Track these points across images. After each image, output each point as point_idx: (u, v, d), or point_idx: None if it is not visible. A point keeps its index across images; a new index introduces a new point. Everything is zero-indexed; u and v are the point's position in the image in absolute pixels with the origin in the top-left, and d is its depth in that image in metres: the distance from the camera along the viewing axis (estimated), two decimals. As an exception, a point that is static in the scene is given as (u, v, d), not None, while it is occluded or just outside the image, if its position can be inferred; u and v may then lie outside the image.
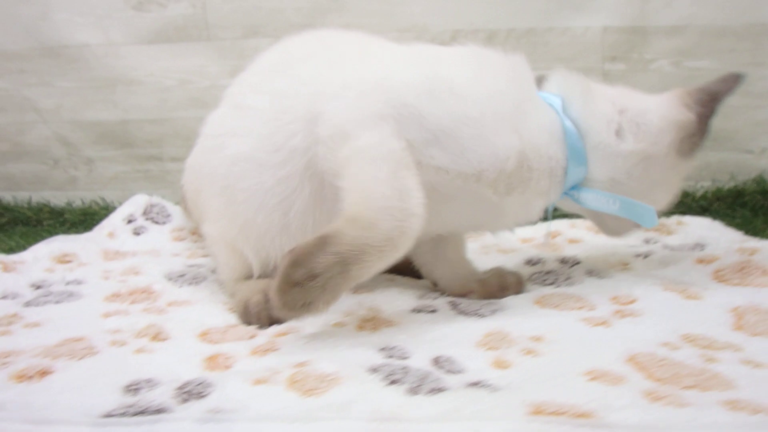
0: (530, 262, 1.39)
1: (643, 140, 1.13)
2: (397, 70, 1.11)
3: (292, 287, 0.89)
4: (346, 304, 1.15)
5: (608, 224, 1.24)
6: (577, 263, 1.34)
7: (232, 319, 1.14)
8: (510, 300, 1.15)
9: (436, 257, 1.28)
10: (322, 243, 0.91)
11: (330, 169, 1.05)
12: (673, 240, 1.49)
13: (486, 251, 1.52)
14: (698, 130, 1.17)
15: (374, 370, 0.82)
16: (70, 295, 1.25)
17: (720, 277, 1.17)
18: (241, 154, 1.18)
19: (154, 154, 2.52)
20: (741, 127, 2.23)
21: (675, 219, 1.64)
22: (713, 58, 2.19)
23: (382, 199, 0.94)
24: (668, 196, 1.20)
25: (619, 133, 1.13)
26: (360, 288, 1.27)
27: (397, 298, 1.18)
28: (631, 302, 1.09)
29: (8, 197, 2.54)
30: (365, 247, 0.92)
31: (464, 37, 2.27)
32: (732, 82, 1.19)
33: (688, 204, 2.09)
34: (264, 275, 1.24)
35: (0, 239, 2.08)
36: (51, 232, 2.18)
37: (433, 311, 1.12)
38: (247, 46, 2.36)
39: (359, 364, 0.84)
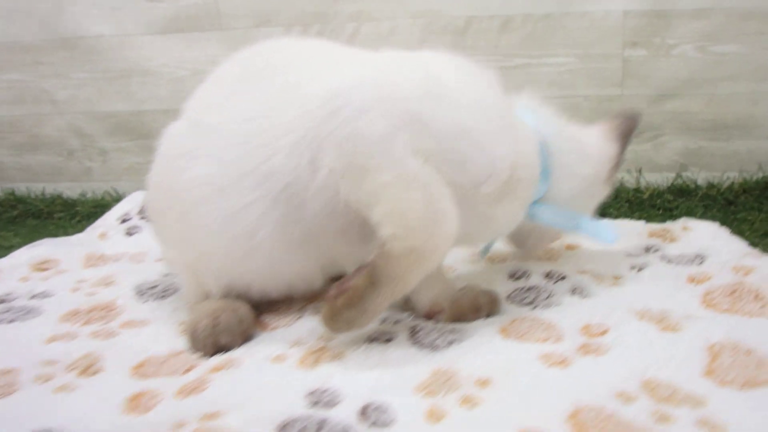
0: (514, 276, 1.28)
1: (595, 166, 1.20)
2: (391, 75, 1.04)
3: (340, 319, 0.95)
4: (300, 331, 1.09)
5: (527, 243, 1.31)
6: (563, 278, 1.23)
7: (180, 344, 1.09)
8: (474, 327, 1.06)
9: None
10: (373, 282, 0.94)
11: (355, 201, 0.99)
12: (674, 249, 1.36)
13: (474, 259, 1.42)
14: (620, 160, 1.26)
15: (285, 426, 0.75)
16: (28, 312, 1.22)
17: (709, 301, 1.07)
18: (200, 177, 1.09)
19: (168, 144, 2.50)
20: (771, 114, 2.04)
21: (681, 223, 1.50)
22: (740, 42, 1.99)
23: (425, 230, 0.95)
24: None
25: (580, 156, 1.17)
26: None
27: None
28: (602, 333, 0.98)
29: (23, 188, 2.57)
30: (413, 276, 0.96)
31: (478, 23, 2.14)
32: (635, 119, 1.30)
33: (713, 196, 1.93)
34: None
35: (6, 235, 2.09)
36: (60, 225, 2.19)
37: (388, 340, 1.03)
38: (259, 35, 2.29)
39: (272, 420, 0.77)
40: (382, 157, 0.96)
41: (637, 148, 2.12)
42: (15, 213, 2.37)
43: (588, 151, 1.19)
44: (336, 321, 0.95)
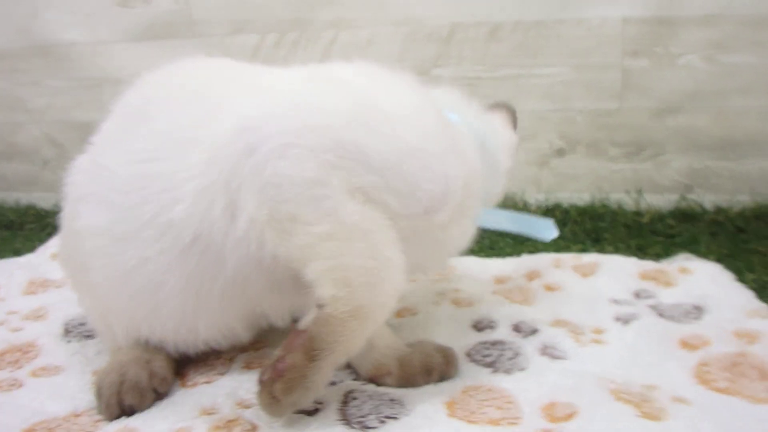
0: (478, 326, 1.08)
1: (511, 158, 1.10)
2: (310, 98, 0.85)
3: (282, 405, 0.79)
4: (218, 393, 0.91)
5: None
6: (534, 332, 1.03)
7: (85, 402, 0.94)
8: (419, 397, 0.86)
9: None
10: (312, 356, 0.78)
11: (285, 255, 0.81)
12: (669, 296, 1.14)
13: (439, 301, 1.21)
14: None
15: None
16: None
17: (703, 375, 0.86)
18: (95, 226, 0.93)
19: (144, 155, 2.36)
20: (787, 132, 1.82)
21: (679, 264, 1.27)
22: (752, 52, 1.76)
23: (372, 286, 0.79)
24: None
25: (504, 150, 1.07)
26: (255, 360, 1.03)
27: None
28: (567, 418, 0.78)
29: None
30: (358, 338, 0.80)
31: (464, 31, 1.94)
32: (514, 111, 1.19)
33: (721, 222, 1.71)
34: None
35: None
36: (28, 238, 2.08)
37: (315, 411, 0.85)
38: (234, 42, 2.15)
39: None
40: (314, 205, 0.78)
41: (636, 166, 1.90)
42: None
43: (505, 143, 1.09)
44: (278, 408, 0.79)
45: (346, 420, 0.82)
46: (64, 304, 1.31)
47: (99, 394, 0.92)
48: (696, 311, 1.05)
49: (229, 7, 2.11)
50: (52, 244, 1.72)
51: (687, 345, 0.94)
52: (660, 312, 1.07)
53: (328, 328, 0.78)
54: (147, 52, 2.24)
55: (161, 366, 0.97)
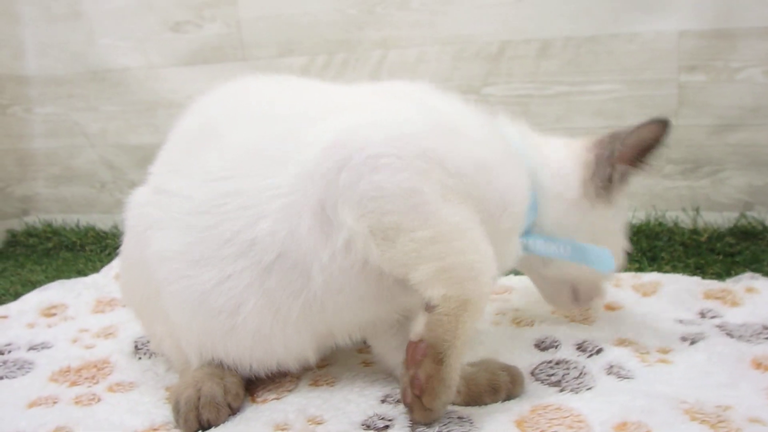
0: (541, 345, 1.11)
1: (561, 184, 1.07)
2: (389, 111, 0.94)
3: (436, 410, 0.85)
4: (288, 410, 0.95)
5: (543, 288, 1.19)
6: (598, 351, 1.05)
7: (161, 417, 0.99)
8: (487, 414, 0.89)
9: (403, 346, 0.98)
10: (440, 360, 0.84)
11: (389, 262, 0.88)
12: (736, 316, 1.16)
13: (499, 321, 1.25)
14: (596, 172, 1.06)
15: None
16: (20, 368, 1.18)
17: (777, 396, 0.87)
18: (169, 251, 0.98)
19: (195, 176, 2.46)
20: None
21: (745, 283, 1.28)
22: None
23: (477, 280, 0.86)
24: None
25: (553, 174, 1.07)
26: (321, 377, 1.07)
27: (353, 401, 0.96)
28: (643, 437, 0.79)
29: (59, 220, 2.60)
30: (470, 329, 0.86)
31: (514, 48, 1.99)
32: (655, 126, 1.05)
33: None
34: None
35: (35, 268, 2.09)
36: (90, 258, 2.21)
37: (385, 427, 0.88)
38: (283, 64, 2.24)
39: None
40: (414, 213, 0.85)
41: (693, 184, 1.90)
42: (50, 245, 2.41)
43: (556, 167, 1.07)
44: (434, 414, 0.86)
45: (416, 436, 0.86)
46: (132, 323, 1.36)
47: (176, 409, 0.97)
48: (766, 331, 1.06)
49: (278, 29, 2.21)
50: (115, 265, 1.81)
51: (760, 365, 0.95)
52: (728, 332, 1.09)
53: (443, 327, 0.83)
54: (198, 75, 2.34)
55: (234, 382, 1.02)
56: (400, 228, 0.85)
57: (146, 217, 1.03)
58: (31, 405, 1.04)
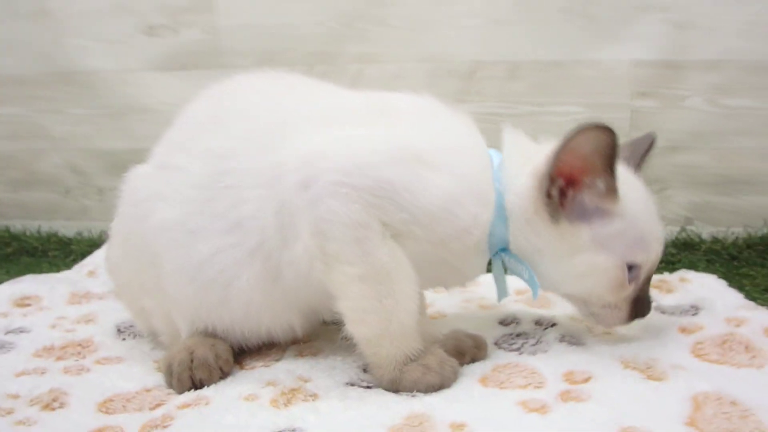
0: (504, 322, 1.32)
1: (519, 202, 1.10)
2: (364, 139, 1.05)
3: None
4: (277, 372, 1.12)
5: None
6: (553, 325, 1.27)
7: (152, 381, 1.13)
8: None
9: None
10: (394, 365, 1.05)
11: (325, 282, 1.05)
12: (670, 300, 1.40)
13: (466, 306, 1.46)
14: (539, 188, 1.06)
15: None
16: (1, 347, 1.27)
17: (698, 351, 1.11)
18: (169, 220, 1.13)
19: (164, 184, 2.55)
20: (776, 169, 2.09)
21: (679, 275, 1.55)
22: (753, 96, 2.06)
23: (385, 321, 1.02)
24: (578, 278, 1.11)
25: (516, 196, 1.10)
26: (306, 349, 1.24)
27: (338, 366, 1.14)
28: (585, 381, 1.01)
29: (18, 225, 2.59)
30: (396, 342, 1.05)
31: (485, 69, 2.22)
32: (585, 135, 1.01)
33: (717, 251, 1.99)
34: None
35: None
36: (54, 264, 2.23)
37: (368, 387, 1.07)
38: None
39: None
40: (355, 247, 0.99)
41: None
42: (9, 250, 2.41)
43: (519, 184, 1.09)
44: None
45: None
46: (111, 312, 1.49)
47: (169, 371, 1.12)
48: (693, 309, 1.31)
49: (257, 39, 2.34)
50: (88, 263, 1.92)
51: (685, 330, 1.19)
52: (662, 311, 1.33)
53: (369, 350, 1.05)
54: (173, 81, 2.42)
55: (224, 349, 1.18)
56: (339, 258, 0.99)
57: (147, 189, 1.18)
58: (19, 375, 1.15)
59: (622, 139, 1.05)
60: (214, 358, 1.14)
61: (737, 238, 2.03)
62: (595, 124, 0.99)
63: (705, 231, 2.09)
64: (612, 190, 1.04)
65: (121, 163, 2.49)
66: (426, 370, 1.03)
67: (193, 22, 2.38)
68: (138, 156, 2.48)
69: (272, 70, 2.23)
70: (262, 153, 1.10)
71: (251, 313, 1.14)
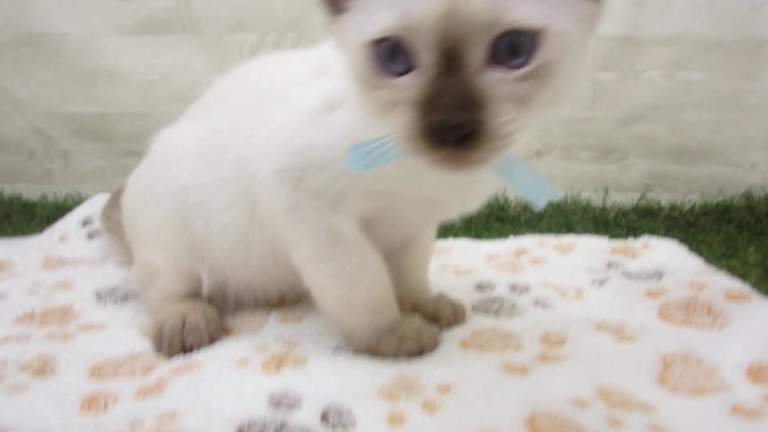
0: (480, 287, 1.33)
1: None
2: (288, 122, 1.03)
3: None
4: (265, 337, 1.11)
5: None
6: (527, 290, 1.28)
7: (140, 346, 1.10)
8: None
9: (398, 267, 1.20)
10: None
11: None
12: (635, 265, 1.44)
13: (442, 271, 1.46)
14: None
15: (244, 427, 0.78)
16: None
17: (664, 312, 1.14)
18: (191, 184, 1.15)
19: (134, 148, 2.46)
20: (731, 141, 2.16)
21: (643, 241, 1.58)
22: (705, 71, 2.11)
23: (344, 298, 1.03)
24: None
25: None
26: (288, 314, 1.23)
27: (324, 332, 1.13)
28: (560, 343, 1.03)
29: None
30: (363, 314, 1.04)
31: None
32: None
33: (675, 217, 2.03)
34: (191, 295, 1.21)
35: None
36: (18, 228, 2.15)
37: (355, 352, 1.06)
38: (232, 41, 2.31)
39: (231, 421, 0.79)
40: (298, 230, 1.01)
41: (604, 168, 2.20)
42: None
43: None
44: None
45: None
46: (87, 277, 1.44)
47: (159, 335, 1.10)
48: (657, 274, 1.34)
49: (228, 6, 2.27)
50: (59, 228, 1.83)
51: (651, 294, 1.22)
52: (628, 276, 1.36)
53: (338, 322, 1.06)
54: (142, 46, 2.35)
55: (213, 316, 1.17)
56: (288, 241, 1.03)
57: (175, 146, 1.20)
58: (2, 341, 1.10)
59: (586, 112, 0.96)
60: (206, 324, 1.13)
61: (694, 205, 2.07)
62: None
63: (663, 198, 2.13)
64: None
65: (87, 126, 2.49)
66: (402, 340, 1.03)
67: (163, -13, 2.28)
68: (105, 120, 2.47)
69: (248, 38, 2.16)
70: (238, 136, 1.12)
71: (266, 274, 1.17)
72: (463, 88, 0.70)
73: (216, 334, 1.14)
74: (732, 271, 1.47)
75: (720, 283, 1.22)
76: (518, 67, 0.71)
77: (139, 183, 1.24)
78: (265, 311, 1.24)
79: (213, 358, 1.03)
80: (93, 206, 1.91)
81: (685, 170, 2.19)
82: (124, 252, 1.52)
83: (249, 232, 1.12)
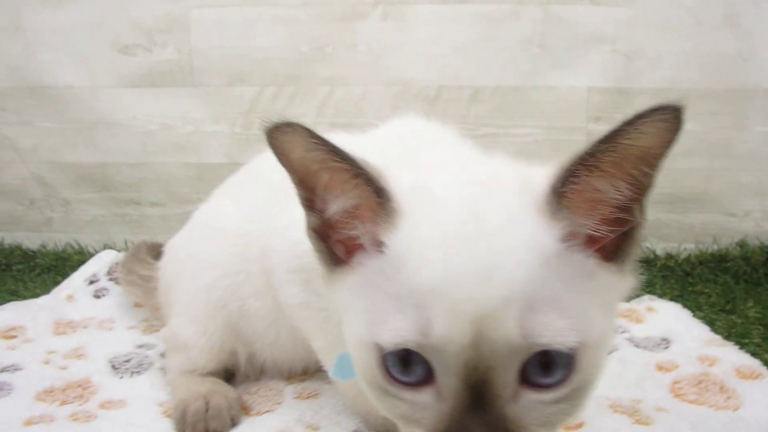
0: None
1: None
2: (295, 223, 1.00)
3: None
4: (285, 419, 1.11)
5: None
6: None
7: (162, 428, 1.10)
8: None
9: None
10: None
11: None
12: (640, 331, 1.45)
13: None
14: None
15: None
16: (1, 389, 1.22)
17: (677, 391, 1.15)
18: (226, 264, 1.18)
19: (133, 198, 2.47)
20: (724, 189, 2.19)
21: (646, 304, 1.59)
22: (696, 121, 2.15)
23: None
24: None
25: None
26: (304, 390, 1.23)
27: (342, 412, 1.13)
28: (577, 427, 1.03)
29: None
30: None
31: (449, 92, 2.24)
32: None
33: (671, 267, 2.05)
34: (213, 372, 1.22)
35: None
36: (19, 278, 2.14)
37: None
38: (232, 93, 2.33)
39: None
40: (308, 324, 1.05)
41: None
42: None
43: None
44: None
45: None
46: (99, 344, 1.45)
47: (183, 419, 1.09)
48: (664, 342, 1.35)
49: (229, 60, 2.30)
50: (65, 287, 1.82)
51: (662, 368, 1.23)
52: (635, 343, 1.37)
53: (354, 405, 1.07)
54: (143, 97, 2.37)
55: (235, 398, 1.17)
56: (302, 331, 1.06)
57: (212, 228, 1.23)
58: (28, 423, 1.10)
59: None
60: (228, 408, 1.13)
61: (689, 254, 2.09)
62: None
63: (659, 247, 2.15)
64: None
65: (87, 176, 2.49)
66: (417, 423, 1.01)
67: (167, 42, 2.33)
68: (105, 169, 2.46)
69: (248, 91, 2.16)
70: (261, 225, 1.12)
71: (290, 353, 1.21)
72: (493, 430, 0.62)
73: (237, 417, 1.13)
74: (733, 328, 1.50)
75: (730, 357, 1.24)
76: (551, 386, 0.64)
77: (180, 252, 1.27)
78: (280, 386, 1.24)
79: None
80: (98, 263, 1.91)
81: (679, 219, 2.21)
82: (147, 307, 1.56)
83: (278, 318, 1.13)
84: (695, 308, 1.64)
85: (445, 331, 0.61)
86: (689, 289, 1.87)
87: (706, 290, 1.85)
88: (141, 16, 2.33)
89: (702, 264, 2.04)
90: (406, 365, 0.64)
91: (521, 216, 0.65)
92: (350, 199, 0.68)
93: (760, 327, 1.53)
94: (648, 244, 2.18)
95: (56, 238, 2.46)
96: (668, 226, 2.21)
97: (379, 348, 0.65)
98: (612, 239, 0.68)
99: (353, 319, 0.70)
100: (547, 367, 0.63)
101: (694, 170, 2.18)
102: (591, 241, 0.66)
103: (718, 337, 1.37)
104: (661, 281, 1.93)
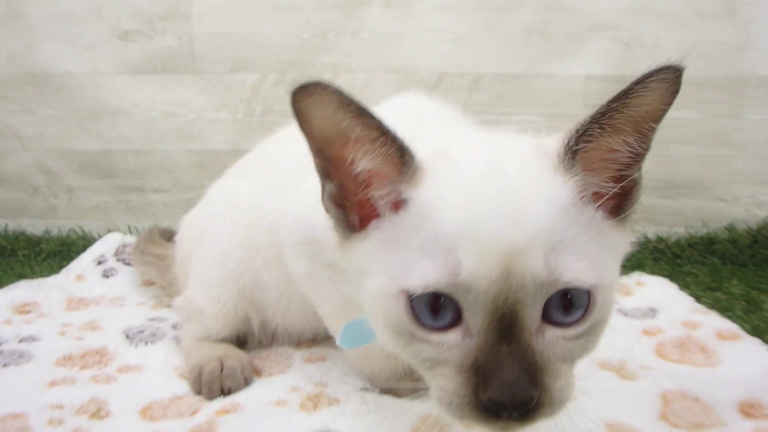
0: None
1: None
2: (303, 198, 1.07)
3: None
4: (295, 378, 1.20)
5: None
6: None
7: (180, 388, 1.19)
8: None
9: None
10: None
11: None
12: (630, 302, 1.55)
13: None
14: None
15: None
16: (21, 356, 1.29)
17: (661, 351, 1.25)
18: (239, 237, 1.28)
19: (137, 184, 2.55)
20: (716, 175, 2.29)
21: (635, 279, 1.69)
22: (693, 109, 2.25)
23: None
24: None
25: None
26: (312, 355, 1.33)
27: (350, 373, 1.22)
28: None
29: None
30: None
31: (450, 80, 2.33)
32: None
33: (661, 249, 2.15)
34: (226, 339, 1.32)
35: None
36: (25, 263, 2.23)
37: (381, 392, 1.15)
38: (234, 80, 2.41)
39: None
40: (316, 293, 1.14)
41: (596, 203, 2.33)
42: None
43: None
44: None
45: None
46: (112, 318, 1.53)
47: (198, 379, 1.18)
48: (651, 311, 1.46)
49: (231, 46, 2.37)
50: (74, 267, 1.90)
51: (647, 333, 1.33)
52: (624, 313, 1.47)
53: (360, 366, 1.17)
54: (145, 85, 2.44)
55: (247, 360, 1.26)
56: (310, 299, 1.15)
57: (226, 204, 1.34)
58: (51, 384, 1.18)
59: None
60: (241, 368, 1.22)
61: (679, 238, 2.20)
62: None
63: (650, 231, 2.26)
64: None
65: (91, 163, 2.56)
66: (419, 381, 1.05)
67: (167, 29, 2.40)
68: (108, 157, 2.54)
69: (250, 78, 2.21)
70: (273, 201, 1.20)
71: (302, 319, 1.30)
72: (522, 360, 0.68)
73: (250, 377, 1.22)
74: (717, 303, 1.60)
75: (711, 323, 1.34)
76: (571, 324, 0.72)
77: (196, 226, 1.37)
78: (290, 351, 1.33)
79: (253, 400, 1.13)
80: (105, 245, 1.99)
81: (671, 204, 2.32)
82: (160, 284, 1.66)
83: (289, 287, 1.22)
84: (683, 287, 1.72)
85: (475, 268, 0.68)
86: (678, 269, 1.98)
87: (694, 270, 1.96)
88: (141, 2, 2.39)
89: (691, 246, 2.15)
90: (435, 311, 0.71)
91: (539, 171, 0.74)
92: (377, 158, 0.74)
93: (743, 302, 1.63)
94: (640, 228, 2.28)
95: (60, 225, 2.54)
96: (661, 210, 2.31)
97: (407, 295, 0.71)
98: (614, 198, 0.77)
99: (375, 276, 0.76)
100: (567, 307, 0.72)
101: (690, 157, 2.28)
102: (597, 198, 0.76)
103: (702, 307, 1.48)
104: (651, 263, 2.04)
